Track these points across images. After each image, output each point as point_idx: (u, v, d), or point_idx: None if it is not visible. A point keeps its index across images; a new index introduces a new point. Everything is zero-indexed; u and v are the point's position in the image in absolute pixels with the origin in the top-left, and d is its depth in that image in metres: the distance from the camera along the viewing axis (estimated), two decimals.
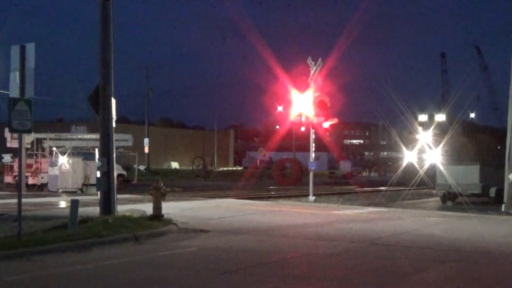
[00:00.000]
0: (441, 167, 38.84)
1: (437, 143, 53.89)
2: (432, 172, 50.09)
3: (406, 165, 54.86)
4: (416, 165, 52.02)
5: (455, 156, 53.47)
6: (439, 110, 65.45)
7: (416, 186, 47.55)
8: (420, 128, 58.16)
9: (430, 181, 47.59)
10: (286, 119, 38.08)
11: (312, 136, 33.83)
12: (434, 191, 46.21)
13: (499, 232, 19.71)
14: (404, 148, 57.81)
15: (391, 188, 48.77)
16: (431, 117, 60.87)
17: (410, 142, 58.45)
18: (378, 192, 45.92)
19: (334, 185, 60.35)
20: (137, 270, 12.36)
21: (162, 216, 18.98)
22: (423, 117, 61.65)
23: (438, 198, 38.42)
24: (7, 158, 41.12)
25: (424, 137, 56.36)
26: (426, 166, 50.86)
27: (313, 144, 34.06)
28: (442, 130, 57.17)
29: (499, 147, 63.67)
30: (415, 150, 55.77)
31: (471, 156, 55.43)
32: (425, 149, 55.13)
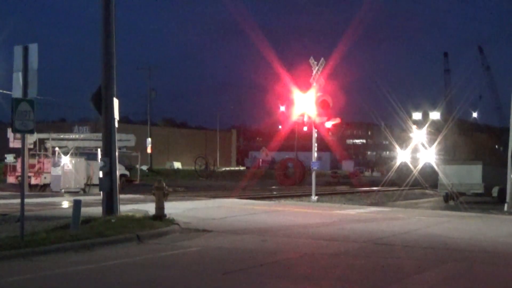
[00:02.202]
0: (444, 167, 38.81)
1: (431, 141, 53.49)
2: (426, 171, 49.87)
3: (399, 165, 54.48)
4: (410, 165, 51.68)
5: (451, 155, 53.13)
6: (441, 109, 64.84)
7: (410, 186, 47.12)
8: (414, 127, 57.62)
9: (424, 181, 47.28)
10: (288, 119, 38.10)
11: (315, 135, 33.83)
12: (428, 191, 46.00)
13: (501, 231, 19.69)
14: (397, 147, 57.38)
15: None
16: (425, 115, 59.99)
17: (405, 141, 57.98)
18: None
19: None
20: (140, 270, 12.37)
21: (165, 216, 18.99)
22: (417, 115, 60.72)
23: (440, 198, 38.41)
24: (10, 158, 41.19)
25: (418, 135, 55.85)
26: (420, 165, 50.55)
27: (316, 144, 34.05)
28: (436, 128, 56.63)
29: (496, 146, 63.34)
30: (409, 149, 55.36)
31: (467, 155, 55.10)
32: (419, 148, 54.72)
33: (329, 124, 33.75)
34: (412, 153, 55.26)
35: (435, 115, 60.57)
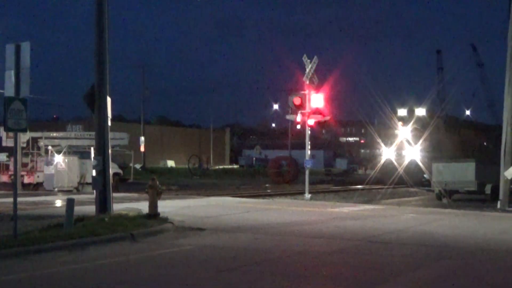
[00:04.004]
0: (437, 165, 38.80)
1: (417, 138, 53.08)
2: (412, 169, 49.57)
3: (384, 162, 54.04)
4: (395, 162, 51.29)
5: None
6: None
7: (395, 185, 46.68)
8: (400, 123, 57.04)
9: (409, 179, 46.97)
10: (281, 117, 38.12)
11: (308, 133, 33.85)
12: (413, 189, 45.81)
13: (495, 229, 19.75)
14: (382, 145, 56.88)
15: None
16: (410, 112, 59.10)
17: (393, 138, 57.39)
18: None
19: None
20: (133, 269, 12.36)
21: (158, 214, 18.99)
22: (402, 112, 59.70)
23: (433, 195, 38.44)
24: (2, 157, 41.01)
25: (404, 132, 55.30)
26: (405, 163, 50.16)
27: (309, 142, 34.06)
28: (422, 125, 56.04)
29: (485, 143, 63.07)
30: (394, 147, 54.85)
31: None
32: (404, 145, 54.26)
33: (322, 122, 33.76)
34: (398, 151, 54.85)
35: (420, 111, 59.75)
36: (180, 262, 13.20)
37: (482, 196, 35.89)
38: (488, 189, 35.46)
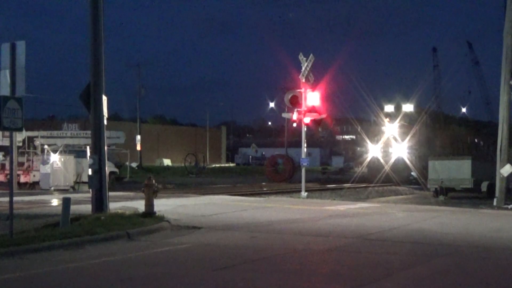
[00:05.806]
0: (433, 162, 38.83)
1: (404, 135, 52.60)
2: (399, 166, 49.23)
3: (371, 160, 53.62)
4: (381, 159, 50.93)
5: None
6: (428, 104, 63.54)
7: (381, 183, 46.26)
8: (386, 120, 56.46)
9: (396, 177, 46.65)
10: (278, 115, 38.19)
11: (304, 130, 33.87)
12: (401, 188, 45.65)
13: (490, 226, 19.78)
14: (368, 142, 56.36)
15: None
16: (398, 108, 58.19)
17: (377, 135, 56.61)
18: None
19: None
20: (130, 267, 12.35)
21: (155, 213, 18.98)
22: (389, 108, 58.69)
23: (428, 193, 38.48)
24: None
25: (390, 129, 54.66)
26: (392, 160, 49.81)
27: (305, 140, 34.08)
28: (409, 121, 55.39)
29: (476, 140, 62.64)
30: (380, 144, 54.30)
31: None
32: (391, 142, 53.75)
33: (318, 120, 33.79)
34: (385, 148, 54.27)
35: (408, 107, 58.92)
36: (177, 260, 13.20)
37: (478, 193, 35.93)
38: (484, 186, 35.48)
